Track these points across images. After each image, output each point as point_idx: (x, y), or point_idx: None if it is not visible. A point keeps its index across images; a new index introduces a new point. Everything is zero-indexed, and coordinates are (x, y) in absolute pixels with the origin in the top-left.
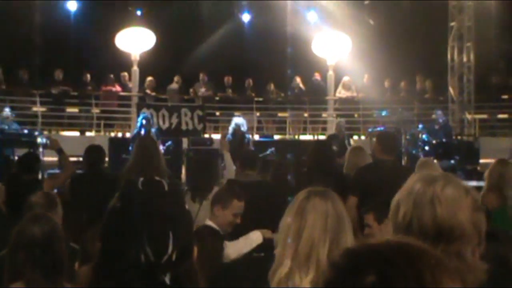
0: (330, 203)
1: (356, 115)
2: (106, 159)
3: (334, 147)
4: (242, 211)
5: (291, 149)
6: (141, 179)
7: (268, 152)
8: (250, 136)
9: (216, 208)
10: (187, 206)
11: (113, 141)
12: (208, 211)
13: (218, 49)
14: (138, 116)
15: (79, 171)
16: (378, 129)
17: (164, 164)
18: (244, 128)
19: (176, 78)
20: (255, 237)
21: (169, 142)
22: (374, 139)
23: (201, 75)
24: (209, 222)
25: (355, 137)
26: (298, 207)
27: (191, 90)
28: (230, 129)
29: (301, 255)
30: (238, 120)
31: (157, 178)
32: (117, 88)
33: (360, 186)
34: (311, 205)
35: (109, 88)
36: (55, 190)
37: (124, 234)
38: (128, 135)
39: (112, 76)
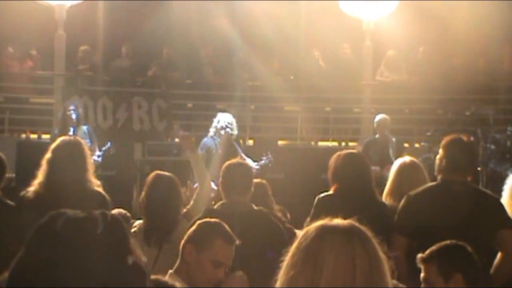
0: (357, 241)
1: (406, 110)
2: (10, 175)
3: (375, 158)
4: (228, 262)
5: (303, 161)
6: (68, 214)
7: (263, 161)
8: (241, 141)
9: (186, 251)
10: (131, 260)
11: (22, 146)
12: (171, 259)
13: (194, 8)
14: (64, 107)
15: None
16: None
17: (94, 183)
18: (233, 130)
19: (125, 50)
20: None
21: (108, 145)
22: (439, 150)
23: (164, 48)
24: (174, 277)
25: (405, 145)
26: (308, 251)
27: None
28: (212, 130)
29: None
30: (225, 117)
31: (95, 213)
32: (29, 63)
33: (413, 221)
34: (329, 245)
35: (13, 64)
36: None
37: None
38: (47, 137)
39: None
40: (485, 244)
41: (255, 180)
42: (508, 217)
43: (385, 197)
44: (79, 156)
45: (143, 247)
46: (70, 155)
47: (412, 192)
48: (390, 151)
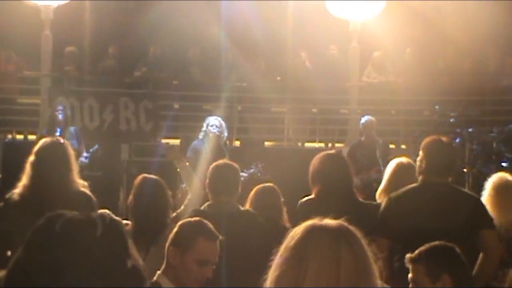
0: (344, 243)
1: (393, 112)
2: None
3: (362, 161)
4: (214, 259)
5: (290, 162)
6: (66, 215)
7: (252, 169)
8: (228, 143)
9: (171, 254)
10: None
11: (8, 147)
12: (158, 262)
13: (181, 8)
14: (51, 108)
15: None
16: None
17: (79, 184)
18: (222, 133)
19: (112, 50)
20: None
21: (95, 147)
22: (419, 152)
23: (151, 48)
24: (161, 278)
25: (391, 146)
26: (294, 250)
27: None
28: (201, 133)
29: None
30: (215, 121)
31: (93, 215)
32: (15, 64)
33: (395, 223)
34: (314, 245)
35: (1, 64)
36: None
37: None
38: (33, 137)
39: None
40: (467, 245)
41: (266, 184)
42: (489, 218)
43: (379, 195)
44: (62, 157)
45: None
46: (53, 156)
47: (393, 194)
48: (377, 153)
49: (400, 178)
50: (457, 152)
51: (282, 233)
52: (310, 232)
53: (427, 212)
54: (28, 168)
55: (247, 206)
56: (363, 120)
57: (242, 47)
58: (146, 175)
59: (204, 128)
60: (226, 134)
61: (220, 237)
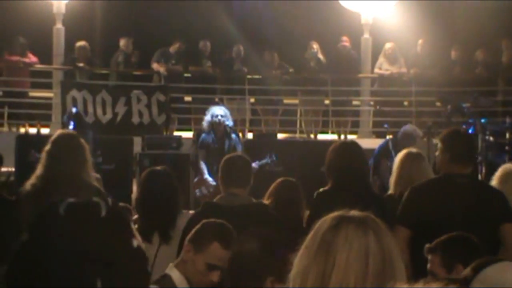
0: (372, 235)
1: (405, 103)
2: (6, 169)
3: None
4: (223, 265)
5: (303, 154)
6: (69, 200)
7: (266, 160)
8: (240, 134)
9: (185, 249)
10: (135, 243)
11: (22, 140)
12: (172, 253)
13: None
14: (63, 101)
15: None
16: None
17: (91, 177)
18: (227, 121)
19: (123, 42)
20: None
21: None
22: (438, 143)
23: (169, 47)
24: (173, 271)
25: None
26: (322, 241)
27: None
28: (205, 124)
29: None
30: (216, 110)
31: (95, 199)
32: (31, 58)
33: (416, 214)
34: (343, 237)
35: (16, 58)
36: None
37: (34, 280)
38: (46, 131)
39: (21, 39)
40: (488, 237)
41: (288, 179)
42: (511, 211)
43: (391, 187)
44: (77, 149)
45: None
46: (69, 147)
47: (415, 185)
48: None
49: (409, 169)
50: (475, 142)
51: (300, 225)
52: (338, 223)
53: (448, 204)
54: (43, 157)
55: (267, 200)
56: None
57: (254, 39)
58: (153, 167)
59: (208, 119)
60: (231, 123)
61: (234, 248)
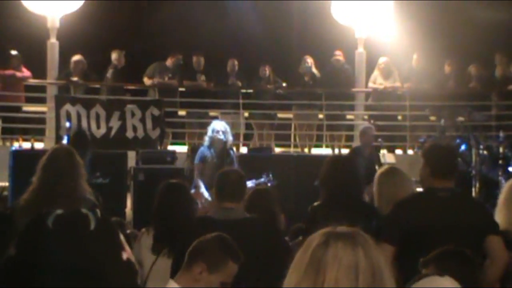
0: (361, 251)
1: (399, 117)
2: (3, 184)
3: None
4: (232, 279)
5: (298, 169)
6: (57, 212)
7: (262, 179)
8: (234, 149)
9: (197, 269)
10: (125, 256)
11: (17, 155)
12: (168, 265)
13: (185, 14)
14: (57, 116)
15: None
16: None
17: (87, 191)
18: (227, 137)
19: (115, 56)
20: None
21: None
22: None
23: (165, 61)
24: (173, 285)
25: (398, 152)
26: (312, 258)
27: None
28: (206, 138)
29: None
30: (218, 125)
31: (84, 211)
32: (24, 72)
33: (399, 229)
34: (332, 254)
35: (10, 72)
36: None
37: None
38: (40, 145)
39: (15, 53)
40: (473, 250)
41: (260, 187)
42: (495, 223)
43: (377, 205)
44: (72, 163)
45: (151, 254)
46: (63, 162)
47: (398, 201)
48: (376, 167)
49: (388, 185)
50: (457, 155)
51: (278, 237)
52: (327, 240)
53: (431, 218)
54: (38, 172)
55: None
56: (361, 127)
57: (248, 54)
58: (170, 180)
59: (209, 134)
60: (231, 138)
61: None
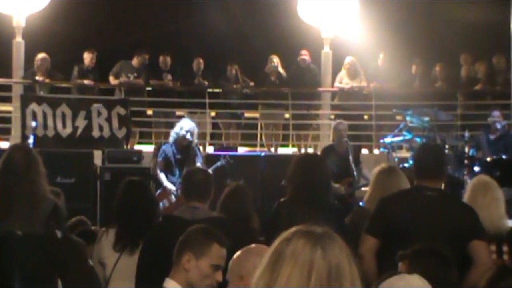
0: (319, 251)
1: (366, 117)
2: None
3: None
4: (224, 264)
5: (264, 168)
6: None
7: (218, 163)
8: (201, 148)
9: (185, 259)
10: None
11: None
12: (133, 263)
13: (152, 12)
14: (22, 115)
15: None
16: (396, 139)
17: (47, 190)
18: (193, 138)
19: (86, 56)
20: None
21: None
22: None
23: (131, 60)
24: (170, 283)
25: (364, 151)
26: (273, 252)
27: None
28: (172, 135)
29: None
30: (188, 124)
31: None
32: None
33: (384, 223)
34: (290, 250)
35: None
36: None
37: None
38: (6, 145)
39: None
40: (455, 252)
41: (235, 186)
42: (481, 228)
43: (366, 203)
44: (31, 162)
45: (113, 253)
46: (22, 161)
47: (385, 196)
48: (350, 159)
49: (381, 184)
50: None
51: (252, 236)
52: (291, 237)
53: (415, 215)
54: None
55: (218, 209)
56: (333, 124)
57: (214, 53)
58: (131, 178)
59: (176, 130)
60: (196, 141)
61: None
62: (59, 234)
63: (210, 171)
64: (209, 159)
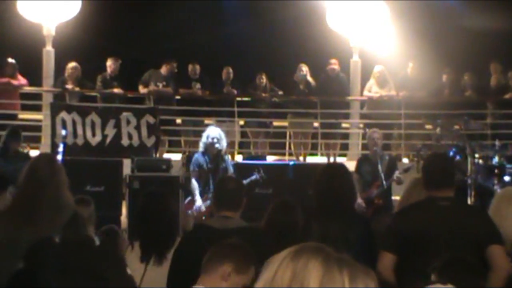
0: (286, 261)
1: (395, 126)
2: None
3: (366, 177)
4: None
5: (292, 177)
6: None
7: (253, 177)
8: (230, 157)
9: (226, 269)
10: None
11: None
12: (162, 274)
13: (182, 22)
14: (52, 123)
15: None
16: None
17: (69, 198)
18: (222, 144)
19: (109, 63)
20: None
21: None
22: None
23: (160, 68)
24: None
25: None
26: (269, 272)
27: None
28: (201, 145)
29: None
30: (213, 131)
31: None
32: (20, 80)
33: (399, 238)
34: (273, 259)
35: (5, 80)
36: None
37: None
38: (36, 153)
39: (10, 61)
40: (476, 258)
41: (284, 200)
42: (497, 232)
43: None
44: (55, 172)
45: (140, 265)
46: (47, 170)
47: (399, 210)
48: (379, 167)
49: (411, 195)
50: (454, 164)
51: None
52: (293, 250)
53: (431, 227)
54: (19, 182)
55: (264, 223)
56: (368, 132)
57: (244, 62)
58: (151, 190)
59: (204, 140)
60: (225, 145)
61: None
62: (97, 241)
63: (244, 182)
64: (239, 168)
